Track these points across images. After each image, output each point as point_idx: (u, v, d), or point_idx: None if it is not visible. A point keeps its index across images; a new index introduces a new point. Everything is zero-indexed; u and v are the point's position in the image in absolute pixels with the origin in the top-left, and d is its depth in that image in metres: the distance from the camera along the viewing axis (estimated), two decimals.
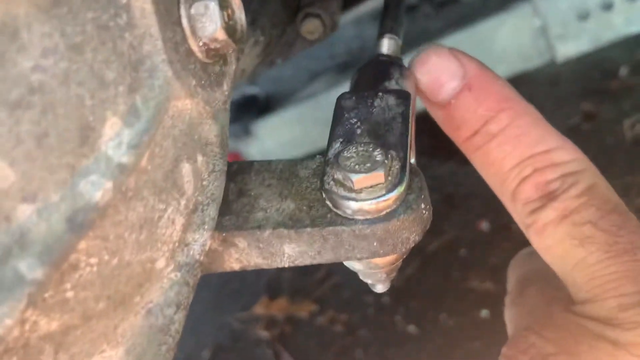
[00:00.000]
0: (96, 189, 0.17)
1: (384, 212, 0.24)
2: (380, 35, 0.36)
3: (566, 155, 0.30)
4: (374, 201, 0.24)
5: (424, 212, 0.25)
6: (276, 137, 1.38)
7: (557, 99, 1.85)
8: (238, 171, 0.29)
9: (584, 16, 1.03)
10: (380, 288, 0.30)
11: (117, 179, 0.17)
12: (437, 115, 0.32)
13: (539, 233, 0.29)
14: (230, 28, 0.22)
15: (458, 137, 0.31)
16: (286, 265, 0.26)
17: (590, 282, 0.27)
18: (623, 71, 1.83)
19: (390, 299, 1.48)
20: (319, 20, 0.47)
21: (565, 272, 0.29)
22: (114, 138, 0.17)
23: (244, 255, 0.26)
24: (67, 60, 0.16)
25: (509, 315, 0.34)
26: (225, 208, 0.27)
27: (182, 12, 0.21)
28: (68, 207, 0.16)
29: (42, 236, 0.16)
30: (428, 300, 1.44)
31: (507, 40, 1.11)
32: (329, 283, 1.56)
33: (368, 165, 0.24)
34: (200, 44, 0.21)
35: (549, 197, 0.29)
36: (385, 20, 0.37)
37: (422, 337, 1.39)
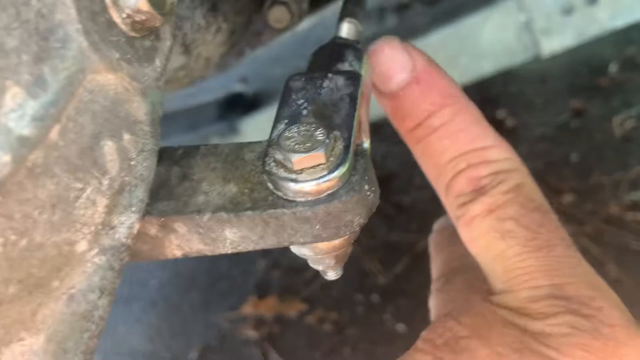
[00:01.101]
0: None
1: (325, 194, 0.23)
2: (340, 19, 0.35)
3: (500, 154, 0.31)
4: (314, 182, 0.23)
5: (368, 194, 0.24)
6: (263, 135, 1.37)
7: (546, 95, 1.85)
8: (183, 155, 0.28)
9: (568, 11, 1.02)
10: (331, 275, 0.29)
11: (18, 152, 0.16)
12: (384, 105, 0.33)
13: (467, 225, 0.30)
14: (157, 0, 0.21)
15: (402, 127, 0.33)
16: (229, 252, 0.25)
17: (507, 274, 0.29)
18: (612, 67, 1.82)
19: (380, 298, 1.47)
20: (286, 8, 0.46)
21: (486, 263, 0.30)
22: (16, 109, 0.16)
23: (184, 241, 0.25)
24: None
25: (433, 303, 0.36)
26: (166, 193, 0.26)
27: None
28: None
29: None
30: (417, 298, 1.42)
31: (492, 35, 1.10)
32: (318, 282, 1.55)
33: (308, 145, 0.23)
34: (124, 15, 0.20)
35: (479, 192, 0.30)
36: (346, 4, 0.36)
37: (411, 336, 1.38)
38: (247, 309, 1.52)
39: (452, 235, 0.37)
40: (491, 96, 1.88)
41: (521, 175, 0.31)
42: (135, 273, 1.72)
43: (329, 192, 0.23)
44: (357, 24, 0.35)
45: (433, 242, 0.41)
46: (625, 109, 1.67)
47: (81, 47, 0.18)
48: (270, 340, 1.46)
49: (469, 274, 0.34)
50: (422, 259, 1.49)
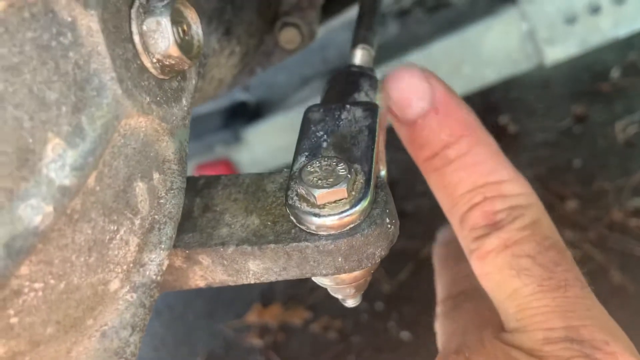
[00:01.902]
0: (36, 213, 0.16)
1: (347, 228, 0.24)
2: (353, 46, 0.35)
3: (516, 188, 0.31)
4: (337, 216, 0.23)
5: (389, 226, 0.24)
6: (267, 143, 1.38)
7: (549, 102, 1.86)
8: (205, 186, 0.28)
9: (571, 20, 1.03)
10: (350, 303, 0.29)
11: (59, 202, 0.17)
12: (402, 133, 0.33)
13: (481, 259, 0.30)
14: (185, 43, 0.21)
15: (419, 156, 0.33)
16: (252, 282, 0.26)
17: (521, 312, 0.28)
18: (614, 73, 1.83)
19: (384, 305, 1.47)
20: (297, 29, 0.47)
21: (500, 299, 0.30)
22: (56, 160, 0.17)
23: (208, 272, 0.26)
24: (3, 81, 0.15)
25: (441, 327, 0.35)
26: (190, 224, 0.26)
27: (134, 28, 0.20)
28: (6, 233, 0.16)
29: None
30: (421, 306, 1.43)
31: (495, 44, 1.11)
32: (322, 290, 1.55)
33: (331, 180, 0.24)
34: (154, 60, 0.21)
35: (494, 226, 0.30)
36: (359, 30, 0.37)
37: (415, 343, 1.39)
38: (252, 317, 1.53)
39: (457, 250, 0.37)
40: (493, 102, 1.88)
41: (537, 211, 0.30)
42: None
43: (351, 225, 0.24)
44: (370, 49, 0.35)
45: (437, 256, 0.41)
46: (628, 115, 1.68)
47: (116, 94, 0.19)
48: (274, 348, 1.46)
49: (478, 302, 0.33)
50: (426, 266, 1.49)
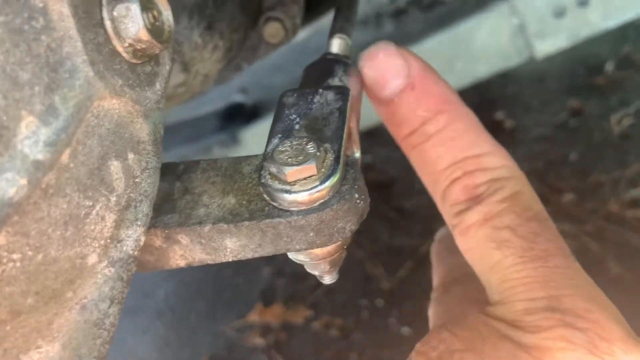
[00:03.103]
0: (11, 185, 0.17)
1: (318, 203, 0.25)
2: (331, 35, 0.36)
3: (496, 161, 0.31)
4: (307, 192, 0.24)
5: (358, 202, 0.25)
6: (263, 144, 1.38)
7: (544, 96, 1.87)
8: (185, 170, 0.30)
9: (560, 13, 1.04)
10: (327, 279, 0.30)
11: (33, 176, 0.18)
12: (380, 111, 0.33)
13: (463, 234, 0.30)
14: (156, 29, 0.22)
15: (398, 134, 0.32)
16: (230, 260, 0.27)
17: (502, 284, 0.28)
18: (609, 66, 1.84)
19: (384, 302, 1.48)
20: (280, 24, 0.48)
21: (482, 273, 0.30)
22: (30, 136, 0.18)
23: (187, 251, 0.27)
24: None
25: (432, 312, 0.35)
26: (169, 206, 0.27)
27: (105, 14, 0.21)
28: None
29: None
30: (421, 302, 1.43)
31: (486, 39, 1.12)
32: (322, 288, 1.56)
33: (300, 158, 0.25)
34: (126, 44, 0.22)
35: (475, 200, 0.30)
36: (336, 20, 0.38)
37: (416, 339, 1.38)
38: (253, 317, 1.54)
39: (453, 244, 0.37)
40: (489, 98, 1.89)
41: (518, 182, 0.30)
42: (141, 284, 1.73)
43: (321, 201, 0.25)
44: (346, 39, 0.36)
45: (434, 251, 0.41)
46: (623, 107, 1.69)
47: (88, 76, 0.20)
48: (277, 348, 1.47)
49: (467, 284, 0.33)
50: (425, 263, 1.50)
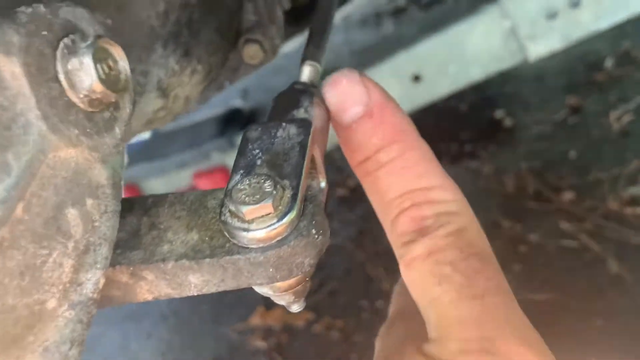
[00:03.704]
0: None
1: (275, 240, 0.25)
2: (301, 63, 0.37)
3: (445, 195, 0.31)
4: (264, 230, 0.25)
5: (315, 237, 0.26)
6: None
7: (544, 94, 1.86)
8: (153, 204, 0.30)
9: (552, 15, 1.04)
10: (295, 308, 0.31)
11: None
12: (339, 136, 0.33)
13: (407, 265, 0.30)
14: (111, 78, 0.23)
15: (352, 159, 0.33)
16: (195, 294, 0.28)
17: (439, 321, 0.28)
18: (608, 63, 1.83)
19: (385, 303, 1.49)
20: (259, 45, 0.49)
21: (423, 307, 0.29)
22: None
23: (153, 286, 0.27)
24: None
25: (376, 346, 0.35)
26: (135, 242, 0.28)
27: (59, 68, 0.22)
28: None
29: None
30: None
31: (478, 43, 1.12)
32: (324, 290, 1.57)
33: (257, 197, 0.25)
34: (81, 95, 0.22)
35: (421, 233, 0.30)
36: (308, 46, 0.39)
37: None
38: (255, 320, 1.55)
39: (405, 288, 0.36)
40: (488, 97, 1.89)
41: (465, 219, 0.30)
42: None
43: (279, 238, 0.25)
44: (317, 66, 0.37)
45: (394, 291, 0.40)
46: (622, 104, 1.68)
47: (41, 130, 0.21)
48: (278, 350, 1.48)
49: (411, 320, 0.33)
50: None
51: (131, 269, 0.27)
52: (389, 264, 1.57)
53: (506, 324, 0.27)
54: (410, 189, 0.31)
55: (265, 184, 0.26)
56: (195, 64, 0.44)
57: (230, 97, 1.70)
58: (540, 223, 1.45)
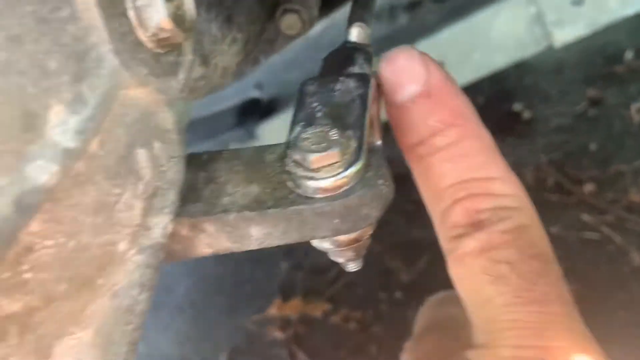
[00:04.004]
0: (43, 172, 0.18)
1: (342, 190, 0.25)
2: (349, 24, 0.36)
3: (506, 188, 0.28)
4: (331, 179, 0.25)
5: (382, 188, 0.25)
6: (280, 139, 1.39)
7: (563, 86, 1.84)
8: (208, 160, 0.30)
9: (578, 1, 1.03)
10: (352, 267, 0.30)
11: (65, 163, 0.18)
12: (391, 115, 0.31)
13: (457, 261, 0.28)
14: (178, 17, 0.23)
15: (404, 142, 0.30)
16: (255, 248, 0.27)
17: (490, 325, 0.26)
18: (628, 55, 1.81)
19: (403, 294, 1.48)
20: (297, 15, 0.48)
21: (472, 308, 0.28)
22: (60, 125, 0.18)
23: (213, 239, 0.27)
24: (6, 51, 0.17)
25: None
26: (194, 196, 0.28)
27: (128, 4, 0.21)
28: (15, 191, 0.17)
29: None
30: None
31: (503, 29, 1.11)
32: (341, 282, 1.56)
33: (324, 145, 0.25)
34: (149, 34, 0.22)
35: (475, 227, 0.27)
36: (355, 9, 0.38)
37: None
38: (273, 310, 1.55)
39: (433, 303, 0.35)
40: (507, 89, 1.87)
41: (526, 216, 0.28)
42: (161, 280, 1.75)
43: (346, 188, 0.25)
44: (365, 27, 0.36)
45: (419, 312, 0.39)
46: None
47: (113, 65, 0.20)
48: (296, 341, 1.48)
49: (441, 333, 0.31)
50: (442, 255, 1.50)
51: (192, 221, 0.26)
52: (408, 256, 1.57)
53: (567, 334, 0.25)
54: (467, 178, 0.28)
55: (331, 133, 0.25)
56: (236, 32, 0.44)
57: (246, 89, 1.70)
58: (561, 215, 1.43)
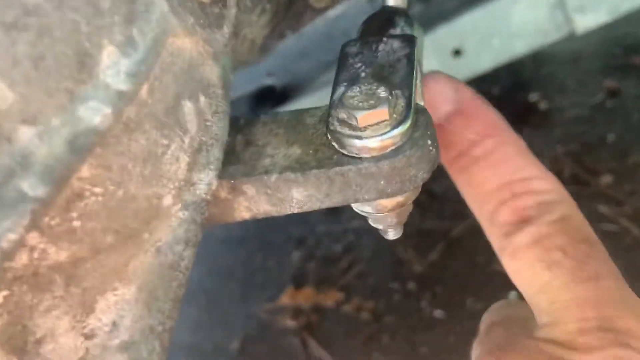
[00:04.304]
0: (96, 114, 0.17)
1: (389, 149, 0.24)
2: None
3: (546, 184, 0.31)
4: (378, 138, 0.24)
5: (430, 149, 0.25)
6: None
7: (580, 77, 1.82)
8: (245, 124, 0.29)
9: None
10: (391, 234, 0.29)
11: (117, 106, 0.17)
12: None
13: (512, 256, 0.30)
14: None
15: (445, 157, 0.33)
16: (295, 211, 0.26)
17: (552, 305, 0.28)
18: None
19: (416, 285, 1.47)
20: None
21: (531, 295, 0.30)
22: (112, 66, 0.18)
23: (253, 202, 0.26)
24: None
25: (474, 353, 0.35)
26: (233, 158, 0.27)
27: None
28: (68, 131, 0.16)
29: (44, 158, 0.16)
30: (454, 284, 1.42)
31: (524, 15, 1.09)
32: (353, 271, 1.56)
33: (372, 102, 0.24)
34: None
35: (524, 222, 0.30)
36: None
37: (449, 322, 1.38)
38: (285, 299, 1.54)
39: (497, 307, 0.37)
40: (523, 79, 1.85)
41: (568, 207, 0.30)
42: None
43: (393, 147, 0.24)
44: None
45: (483, 317, 0.41)
46: None
47: (163, 11, 0.20)
48: (308, 330, 1.47)
49: (508, 323, 0.33)
50: (456, 246, 1.48)
51: (231, 182, 0.26)
52: (421, 247, 1.56)
53: (623, 304, 0.27)
54: (509, 181, 0.31)
55: (379, 90, 0.24)
56: (265, 2, 0.43)
57: (260, 77, 1.70)
58: (578, 207, 1.42)
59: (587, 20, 1.07)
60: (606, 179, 1.47)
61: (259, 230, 1.68)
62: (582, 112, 1.68)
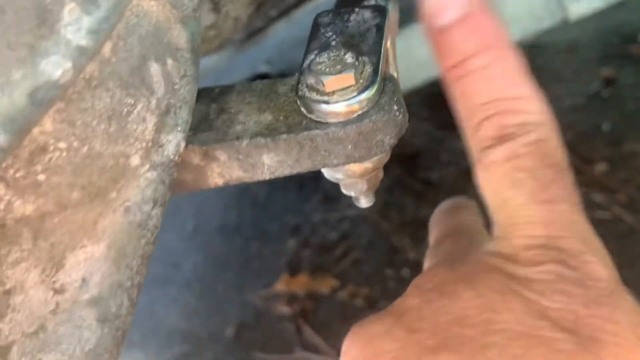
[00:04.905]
0: (56, 68, 0.17)
1: (355, 115, 0.24)
2: None
3: (531, 106, 0.31)
4: (345, 103, 0.24)
5: (397, 114, 0.25)
6: None
7: (576, 65, 1.82)
8: (220, 93, 0.30)
9: None
10: (364, 202, 0.30)
11: (77, 61, 0.18)
12: (431, 39, 0.33)
13: (484, 169, 0.31)
14: None
15: (443, 64, 0.33)
16: (267, 177, 0.27)
17: (507, 221, 0.30)
18: None
19: (410, 272, 1.48)
20: None
21: (493, 209, 0.31)
22: (73, 23, 0.18)
23: (225, 168, 0.27)
24: None
25: (426, 264, 0.37)
26: (206, 125, 0.27)
27: None
28: (29, 84, 0.17)
29: (4, 108, 0.16)
30: None
31: (517, 2, 1.09)
32: (348, 259, 1.56)
33: (338, 67, 0.25)
34: None
35: (502, 139, 0.31)
36: None
37: None
38: (280, 286, 1.55)
39: (446, 211, 0.40)
40: None
41: (547, 130, 0.31)
42: (169, 256, 1.76)
43: (360, 112, 0.25)
44: None
45: (432, 220, 0.43)
46: None
47: None
48: (303, 316, 1.48)
49: (459, 237, 0.34)
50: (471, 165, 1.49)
51: (204, 148, 0.26)
52: (416, 235, 1.56)
53: (570, 227, 0.29)
54: (498, 97, 0.31)
55: (346, 56, 0.25)
56: None
57: (256, 64, 1.70)
58: None
59: (580, 7, 1.07)
60: (600, 167, 1.47)
61: (255, 219, 1.69)
62: (578, 101, 1.68)
